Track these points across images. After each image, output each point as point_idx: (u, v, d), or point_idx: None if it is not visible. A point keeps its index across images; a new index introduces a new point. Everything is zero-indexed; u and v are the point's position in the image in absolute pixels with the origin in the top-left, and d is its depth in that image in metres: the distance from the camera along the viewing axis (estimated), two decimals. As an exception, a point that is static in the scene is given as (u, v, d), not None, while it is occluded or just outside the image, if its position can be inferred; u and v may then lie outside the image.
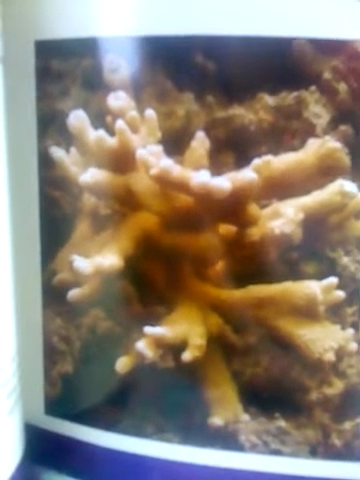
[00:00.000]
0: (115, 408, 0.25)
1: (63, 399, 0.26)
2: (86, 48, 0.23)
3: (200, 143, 0.23)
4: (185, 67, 0.22)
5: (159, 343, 0.24)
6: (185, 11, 0.22)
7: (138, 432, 0.25)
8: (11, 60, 0.23)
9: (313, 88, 0.22)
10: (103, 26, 0.23)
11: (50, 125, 0.24)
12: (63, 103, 0.24)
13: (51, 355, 0.26)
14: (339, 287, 0.23)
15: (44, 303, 0.26)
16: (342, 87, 0.22)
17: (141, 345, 0.24)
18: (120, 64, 0.23)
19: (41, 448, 0.26)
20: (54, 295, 0.26)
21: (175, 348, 0.24)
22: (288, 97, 0.22)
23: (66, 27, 0.23)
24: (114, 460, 0.25)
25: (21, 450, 0.23)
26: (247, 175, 0.22)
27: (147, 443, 0.25)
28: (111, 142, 0.23)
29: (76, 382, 0.26)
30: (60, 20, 0.23)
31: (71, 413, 0.26)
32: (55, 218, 0.25)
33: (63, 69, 0.24)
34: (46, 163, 0.25)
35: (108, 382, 0.25)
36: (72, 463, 0.26)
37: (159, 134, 0.23)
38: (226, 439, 0.24)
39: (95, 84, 0.24)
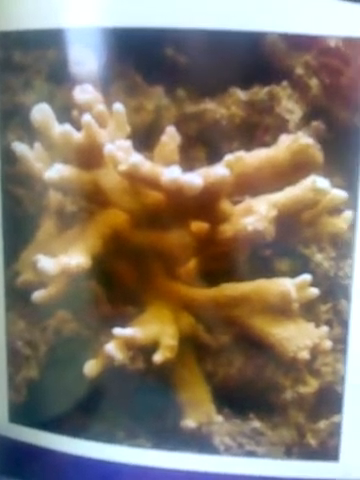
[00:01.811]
0: (84, 414, 0.24)
1: (29, 406, 0.25)
2: (51, 39, 0.22)
3: (170, 138, 0.22)
4: (155, 60, 0.22)
5: (129, 344, 0.23)
6: (155, 3, 0.21)
7: (109, 438, 0.24)
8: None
9: (285, 83, 0.22)
10: (69, 17, 0.22)
11: (12, 119, 0.23)
12: (26, 96, 0.23)
13: (15, 360, 0.25)
14: (313, 284, 0.23)
15: (7, 306, 0.25)
16: (314, 82, 0.22)
17: (110, 347, 0.23)
18: (87, 56, 0.22)
19: (6, 457, 0.24)
20: (17, 297, 0.24)
21: (146, 349, 0.23)
22: (260, 92, 0.22)
23: (30, 18, 0.22)
24: (84, 468, 0.24)
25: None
26: (219, 171, 0.22)
27: (119, 449, 0.24)
28: (77, 137, 0.22)
29: (42, 388, 0.25)
30: (23, 10, 0.22)
31: (37, 420, 0.25)
32: (18, 217, 0.24)
33: (26, 61, 0.23)
34: (8, 159, 0.24)
35: (76, 387, 0.24)
36: (40, 472, 0.25)
37: (128, 129, 0.22)
38: (200, 442, 0.24)
39: (60, 77, 0.23)
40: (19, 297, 0.24)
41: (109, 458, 0.24)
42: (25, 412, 0.25)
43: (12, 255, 0.24)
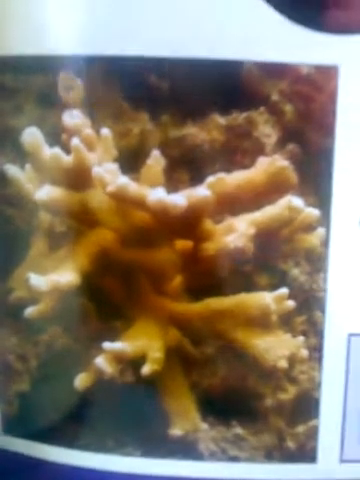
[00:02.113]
0: (74, 425, 0.25)
1: (21, 417, 0.26)
2: (40, 65, 0.23)
3: (156, 161, 0.24)
4: (139, 87, 0.23)
5: (118, 358, 0.24)
6: (138, 32, 0.22)
7: (99, 447, 0.25)
8: None
9: (262, 109, 0.23)
10: (55, 44, 0.23)
11: (3, 142, 0.24)
12: (16, 120, 0.24)
13: (7, 374, 0.26)
14: (290, 297, 0.24)
15: (0, 321, 0.25)
16: (289, 108, 0.23)
17: (100, 361, 0.24)
18: (74, 82, 0.23)
19: (0, 468, 0.25)
20: (10, 313, 0.25)
21: (134, 362, 0.24)
22: (239, 117, 0.23)
23: (18, 43, 0.23)
24: (75, 476, 0.25)
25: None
26: (201, 192, 0.23)
27: (108, 458, 0.25)
28: (67, 160, 0.23)
29: (33, 400, 0.26)
30: (13, 36, 0.23)
31: (29, 431, 0.26)
32: (10, 235, 0.25)
33: (16, 86, 0.24)
34: (1, 180, 0.25)
35: (67, 399, 0.25)
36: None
37: (115, 152, 0.24)
38: (186, 449, 0.25)
39: (49, 102, 0.24)
40: (11, 314, 0.25)
41: (100, 467, 0.25)
42: (17, 423, 0.26)
43: (4, 273, 0.25)
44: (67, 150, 0.23)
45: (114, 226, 0.24)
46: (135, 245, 0.24)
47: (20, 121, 0.24)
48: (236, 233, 0.23)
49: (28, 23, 0.23)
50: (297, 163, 0.23)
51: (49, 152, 0.24)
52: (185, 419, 0.25)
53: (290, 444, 0.25)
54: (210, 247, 0.24)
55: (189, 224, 0.23)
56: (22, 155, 0.24)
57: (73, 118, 0.23)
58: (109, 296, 0.24)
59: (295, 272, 0.24)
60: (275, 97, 0.23)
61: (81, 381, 0.24)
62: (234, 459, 0.25)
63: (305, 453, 0.25)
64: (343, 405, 0.24)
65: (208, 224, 0.24)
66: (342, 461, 0.25)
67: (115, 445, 0.25)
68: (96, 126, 0.23)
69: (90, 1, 0.22)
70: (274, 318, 0.24)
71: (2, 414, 0.26)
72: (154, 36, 0.22)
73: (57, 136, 0.24)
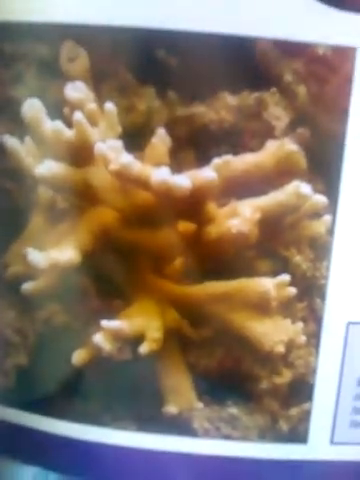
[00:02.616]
0: (70, 398, 0.26)
1: (16, 389, 0.26)
2: (42, 33, 0.22)
3: (161, 140, 0.23)
4: (147, 61, 0.22)
5: (116, 336, 0.24)
6: (149, 3, 0.21)
7: (95, 420, 0.26)
8: None
9: (274, 90, 0.22)
10: (61, 12, 0.22)
11: (3, 112, 0.23)
12: (16, 90, 0.23)
13: (4, 347, 0.26)
14: (291, 284, 0.24)
15: (-3, 295, 0.25)
16: (302, 90, 0.22)
17: (98, 338, 0.24)
18: (79, 53, 0.22)
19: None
20: (7, 287, 0.25)
21: (132, 340, 0.24)
22: (249, 97, 0.23)
23: (20, 10, 0.22)
24: (70, 447, 0.26)
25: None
26: (207, 174, 0.22)
27: (103, 431, 0.26)
28: (69, 134, 0.23)
29: (30, 373, 0.26)
30: (15, 1, 0.22)
31: (26, 403, 0.26)
32: (7, 210, 0.24)
33: (16, 53, 0.23)
34: (-1, 152, 0.24)
35: (63, 374, 0.25)
36: (27, 452, 0.26)
37: (119, 128, 0.23)
38: (180, 426, 0.25)
39: (52, 72, 0.23)
40: (9, 287, 0.25)
41: (95, 439, 0.26)
42: (14, 395, 0.26)
43: (2, 246, 0.25)
44: (69, 124, 0.23)
45: (116, 205, 0.23)
46: (137, 225, 0.23)
47: (20, 91, 0.23)
48: (240, 217, 0.23)
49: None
50: (307, 148, 0.22)
51: (50, 125, 0.23)
52: (181, 397, 0.25)
53: (283, 425, 0.25)
54: (213, 231, 0.23)
55: (193, 206, 0.23)
56: (22, 127, 0.23)
57: (76, 91, 0.22)
58: (109, 275, 0.24)
59: (298, 259, 0.24)
60: (288, 77, 0.22)
61: (78, 357, 0.24)
62: (227, 437, 0.25)
63: (297, 434, 0.25)
64: (337, 390, 0.25)
65: (212, 207, 0.23)
66: (333, 443, 0.25)
67: (111, 419, 0.25)
68: (100, 100, 0.22)
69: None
70: (274, 304, 0.24)
71: (-2, 386, 0.26)
72: (165, 8, 0.21)
73: (59, 109, 0.23)
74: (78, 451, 0.26)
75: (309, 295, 0.24)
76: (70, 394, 0.26)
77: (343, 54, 0.22)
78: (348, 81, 0.22)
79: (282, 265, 0.24)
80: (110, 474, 0.26)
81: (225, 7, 0.21)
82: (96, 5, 0.21)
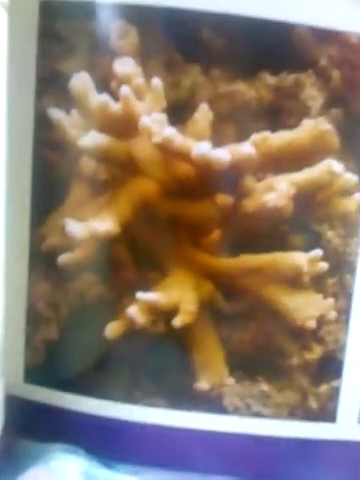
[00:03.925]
0: (101, 374, 0.26)
1: (45, 366, 0.26)
2: (93, 12, 0.23)
3: (203, 115, 0.24)
4: (193, 40, 0.23)
5: (151, 309, 0.24)
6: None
7: (124, 397, 0.25)
8: (15, 16, 0.23)
9: (310, 72, 0.24)
10: (114, -9, 0.23)
11: (49, 86, 0.24)
12: (65, 64, 0.24)
13: (35, 321, 0.26)
14: (323, 259, 0.25)
15: (31, 267, 0.25)
16: (336, 74, 0.24)
17: (132, 310, 0.24)
18: (128, 31, 0.23)
19: (21, 417, 0.25)
20: (42, 259, 0.25)
21: (166, 313, 0.24)
22: (287, 78, 0.24)
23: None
24: (99, 426, 0.25)
25: (1, 421, 0.23)
26: (245, 149, 0.23)
27: (134, 408, 0.25)
28: (115, 107, 0.24)
29: (61, 349, 0.26)
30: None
31: (53, 381, 0.26)
32: (48, 181, 0.25)
33: (67, 31, 0.24)
34: (42, 124, 0.24)
35: (95, 348, 0.25)
36: (55, 432, 0.26)
37: (164, 103, 0.24)
38: (211, 402, 0.25)
39: (101, 49, 0.24)
40: (44, 260, 0.25)
41: (125, 417, 0.25)
42: (41, 373, 0.26)
43: (39, 218, 0.25)
44: (115, 98, 0.24)
45: (157, 177, 0.24)
46: (176, 197, 0.24)
47: (70, 65, 0.24)
48: (276, 192, 0.24)
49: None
50: (340, 128, 0.24)
51: (97, 98, 0.23)
52: (213, 373, 0.25)
53: (312, 403, 0.25)
54: (250, 204, 0.24)
55: (231, 180, 0.24)
56: (68, 100, 0.24)
57: (125, 66, 0.23)
58: (146, 246, 0.25)
59: (329, 235, 0.25)
60: (323, 62, 0.24)
61: (111, 330, 0.24)
62: (258, 415, 0.25)
63: (326, 412, 0.25)
64: (366, 367, 0.25)
65: (250, 181, 0.24)
66: (360, 422, 0.26)
67: (142, 395, 0.25)
68: (147, 76, 0.23)
69: None
70: (306, 279, 0.25)
71: (25, 363, 0.26)
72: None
73: (106, 83, 0.24)
74: (107, 429, 0.25)
75: (340, 271, 0.25)
76: (100, 370, 0.26)
77: (373, 43, 0.24)
78: (378, 68, 0.23)
79: (314, 240, 0.25)
80: (139, 453, 0.25)
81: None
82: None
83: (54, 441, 0.25)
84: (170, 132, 0.23)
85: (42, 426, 0.26)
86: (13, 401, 0.25)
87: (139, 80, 0.23)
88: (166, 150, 0.23)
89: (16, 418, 0.25)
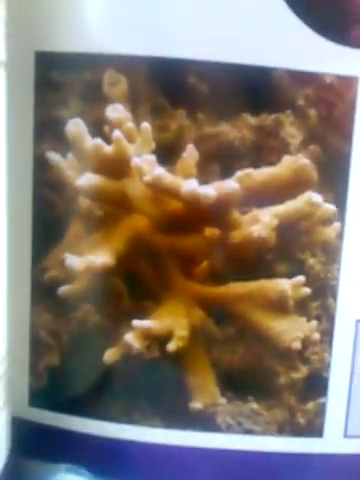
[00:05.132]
0: (101, 397, 0.27)
1: (48, 390, 0.28)
2: (87, 62, 0.25)
3: (190, 155, 0.26)
4: (179, 87, 0.25)
5: (146, 335, 0.26)
6: (181, 37, 0.24)
7: (124, 419, 0.27)
8: (12, 67, 0.25)
9: (289, 112, 0.26)
10: (104, 43, 0.25)
11: (47, 131, 0.26)
12: (61, 111, 0.26)
13: (38, 349, 0.27)
14: (306, 284, 0.26)
15: (33, 299, 0.27)
16: (312, 113, 0.26)
17: (129, 337, 0.26)
18: (119, 79, 0.25)
19: (26, 440, 0.27)
20: (44, 291, 0.27)
21: (160, 339, 0.26)
22: (268, 118, 0.26)
23: (68, 41, 0.25)
24: (102, 446, 0.27)
25: (8, 444, 0.24)
26: (230, 185, 0.25)
27: (133, 429, 0.27)
28: (108, 150, 0.25)
29: (62, 373, 0.27)
30: (63, 34, 0.25)
31: (57, 404, 0.27)
32: (48, 218, 0.27)
33: (62, 80, 0.26)
34: (41, 166, 0.26)
35: (95, 373, 0.27)
36: (59, 452, 0.27)
37: (153, 145, 0.26)
38: (205, 421, 0.27)
39: (94, 96, 0.26)
40: (45, 291, 0.27)
41: (126, 437, 0.27)
42: (45, 396, 0.28)
43: (41, 253, 0.27)
44: (108, 141, 0.25)
45: (149, 213, 0.26)
46: (167, 231, 0.26)
47: (65, 112, 0.26)
48: (261, 224, 0.26)
49: (79, 22, 0.25)
50: (318, 163, 0.26)
51: (91, 142, 0.25)
52: (205, 393, 0.27)
53: (300, 419, 0.27)
54: (236, 235, 0.26)
55: (218, 214, 0.26)
56: (65, 144, 0.26)
57: (116, 112, 0.25)
58: (140, 278, 0.26)
59: (311, 262, 0.27)
60: (301, 102, 0.26)
61: (110, 356, 0.26)
62: (249, 432, 0.27)
63: (313, 428, 0.27)
64: (349, 385, 0.27)
65: (235, 214, 0.26)
66: (346, 436, 0.27)
67: (141, 417, 0.27)
68: (137, 120, 0.25)
69: (135, 7, 0.24)
70: (291, 303, 0.26)
71: (30, 388, 0.28)
72: (194, 41, 0.24)
73: (99, 128, 0.26)
74: (110, 449, 0.27)
75: (322, 295, 0.27)
76: (100, 393, 0.27)
77: (347, 83, 0.25)
78: (352, 106, 0.25)
79: (298, 267, 0.26)
80: (139, 470, 0.27)
81: (246, 43, 0.24)
82: (134, 38, 0.25)
83: (58, 461, 0.27)
84: (160, 171, 0.25)
85: (47, 447, 0.27)
86: (19, 424, 0.27)
87: (130, 124, 0.25)
88: (156, 188, 0.25)
89: (22, 440, 0.27)
